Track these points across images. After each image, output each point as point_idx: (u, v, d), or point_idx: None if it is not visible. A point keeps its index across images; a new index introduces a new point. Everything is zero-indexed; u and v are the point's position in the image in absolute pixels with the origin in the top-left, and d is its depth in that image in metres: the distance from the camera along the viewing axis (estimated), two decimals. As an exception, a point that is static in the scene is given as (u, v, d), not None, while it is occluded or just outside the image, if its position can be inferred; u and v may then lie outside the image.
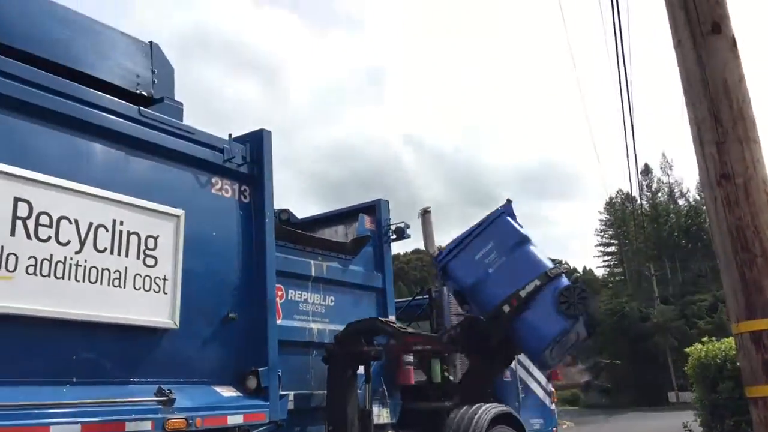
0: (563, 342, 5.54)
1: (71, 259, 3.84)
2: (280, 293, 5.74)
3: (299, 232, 6.55)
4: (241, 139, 5.32)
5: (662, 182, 73.36)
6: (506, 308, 5.23)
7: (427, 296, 8.81)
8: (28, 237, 3.65)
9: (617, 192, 70.41)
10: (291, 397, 5.45)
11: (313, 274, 6.30)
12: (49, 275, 3.70)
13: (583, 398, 50.05)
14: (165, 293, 4.34)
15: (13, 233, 3.58)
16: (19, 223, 3.62)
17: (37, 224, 3.71)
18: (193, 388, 4.47)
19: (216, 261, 4.91)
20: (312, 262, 6.33)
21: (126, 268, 4.13)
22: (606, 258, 78.90)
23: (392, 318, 7.00)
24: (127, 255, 4.15)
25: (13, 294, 3.51)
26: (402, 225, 7.64)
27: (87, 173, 4.12)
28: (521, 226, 5.98)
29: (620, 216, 72.67)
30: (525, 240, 5.74)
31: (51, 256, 3.74)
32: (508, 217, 5.79)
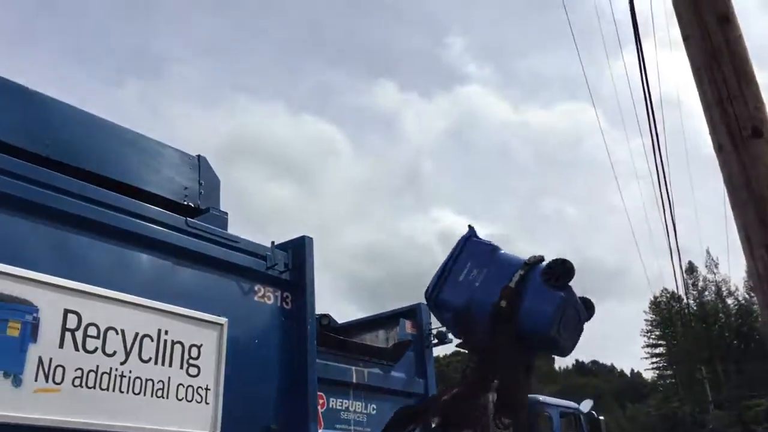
0: (566, 320, 5.34)
1: (116, 370, 3.86)
2: (321, 401, 5.65)
3: (340, 338, 6.51)
4: (283, 246, 5.40)
5: (708, 280, 71.48)
6: (503, 303, 5.11)
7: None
8: (76, 349, 3.70)
9: (662, 291, 68.74)
10: None
11: (354, 380, 6.20)
12: (94, 387, 3.72)
13: None
14: (207, 403, 4.30)
15: (61, 345, 3.64)
16: (68, 334, 3.68)
17: (86, 335, 3.76)
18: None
19: (258, 370, 4.87)
20: (353, 368, 6.24)
21: (169, 378, 4.12)
22: (654, 360, 76.17)
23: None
24: (170, 365, 4.16)
25: (61, 407, 3.52)
26: (443, 329, 7.54)
27: (134, 283, 4.21)
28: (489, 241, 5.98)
29: (667, 316, 70.65)
30: (496, 248, 5.76)
31: (97, 367, 3.76)
32: (474, 238, 5.83)
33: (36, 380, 3.50)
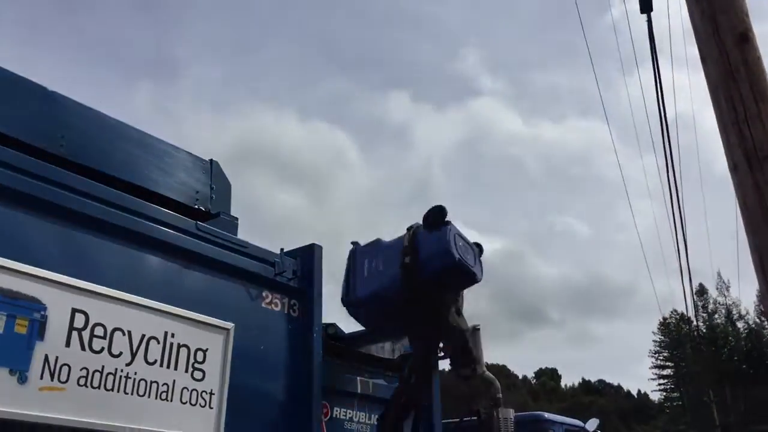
0: (461, 248, 5.79)
1: (122, 371, 3.85)
2: (324, 410, 5.62)
3: (346, 348, 6.48)
4: (292, 253, 5.41)
5: (719, 303, 70.94)
6: (407, 260, 5.53)
7: (476, 418, 8.50)
8: (82, 348, 3.70)
9: (671, 312, 68.25)
10: None
11: (359, 391, 6.18)
12: (99, 387, 3.71)
13: None
14: (211, 408, 4.29)
15: (68, 344, 3.64)
16: (74, 333, 3.68)
17: (92, 335, 3.76)
18: None
19: (262, 376, 4.87)
20: (358, 378, 6.22)
21: (174, 381, 4.12)
22: (662, 381, 75.55)
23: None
24: (176, 368, 4.15)
25: (65, 406, 3.52)
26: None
27: (142, 285, 4.21)
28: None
29: (676, 337, 70.09)
30: (379, 239, 6.20)
31: (102, 367, 3.76)
32: (359, 247, 6.23)
33: (42, 378, 3.50)
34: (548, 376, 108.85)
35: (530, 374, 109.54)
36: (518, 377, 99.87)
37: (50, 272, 3.67)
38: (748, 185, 3.42)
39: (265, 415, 4.77)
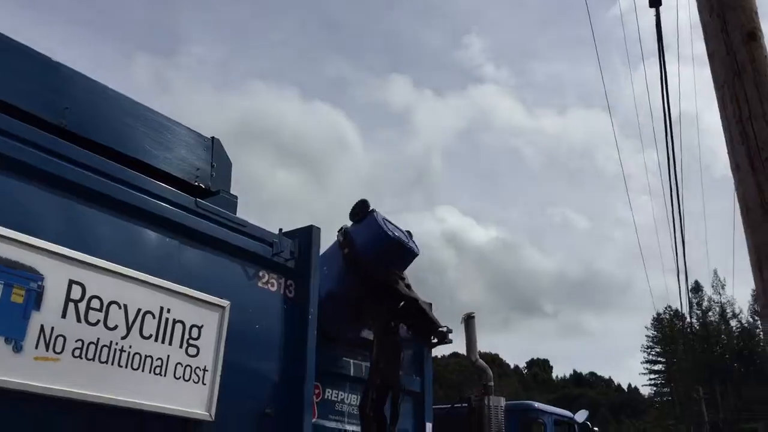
0: (391, 227, 6.25)
1: (117, 344, 3.87)
2: (317, 391, 5.66)
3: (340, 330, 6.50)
4: (291, 234, 5.41)
5: (713, 301, 71.18)
6: (346, 251, 5.93)
7: (466, 404, 8.57)
8: (78, 320, 3.71)
9: (665, 308, 68.48)
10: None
11: (352, 373, 6.21)
12: (94, 359, 3.73)
13: None
14: (204, 384, 4.31)
15: (64, 315, 3.65)
16: (71, 305, 3.69)
17: (88, 308, 3.77)
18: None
19: (256, 355, 4.88)
20: (352, 361, 6.26)
21: (168, 356, 4.13)
22: (652, 376, 75.96)
23: (429, 426, 6.81)
24: (170, 343, 4.16)
25: (59, 376, 3.54)
26: (445, 329, 7.53)
27: (140, 259, 4.21)
28: None
29: (669, 333, 70.35)
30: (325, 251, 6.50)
31: (98, 340, 3.77)
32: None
33: (36, 348, 3.51)
34: (540, 366, 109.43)
35: (522, 364, 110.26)
36: (510, 366, 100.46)
37: (49, 243, 3.67)
38: (749, 184, 3.42)
39: (258, 394, 4.79)
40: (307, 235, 5.47)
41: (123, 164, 4.41)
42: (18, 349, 3.44)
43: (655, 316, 70.27)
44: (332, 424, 5.88)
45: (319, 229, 5.58)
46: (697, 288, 67.77)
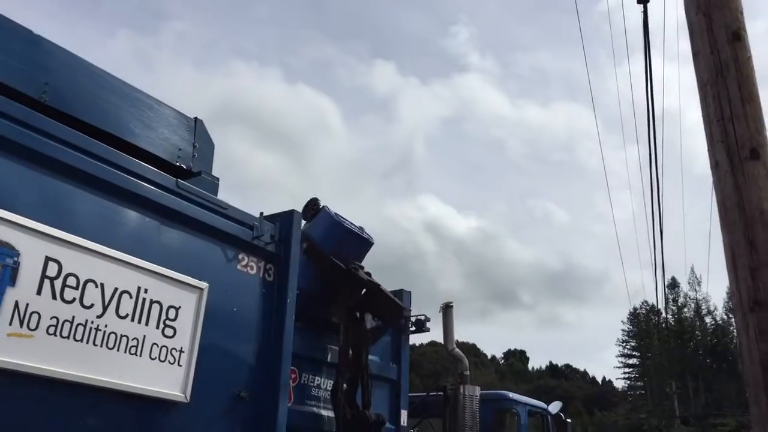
0: (342, 220, 6.51)
1: (92, 322, 3.84)
2: (293, 376, 5.66)
3: (318, 316, 6.50)
4: (272, 218, 5.38)
5: (689, 297, 72.05)
6: (305, 245, 5.97)
7: (441, 393, 8.62)
8: (54, 297, 3.68)
9: (642, 303, 69.22)
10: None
11: (329, 359, 6.22)
12: (68, 337, 3.70)
13: None
14: (179, 365, 4.29)
15: (39, 292, 3.61)
16: (46, 282, 3.65)
17: (64, 285, 3.74)
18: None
19: (233, 337, 4.87)
20: (329, 347, 6.26)
21: (144, 336, 4.11)
22: (627, 370, 76.85)
23: (404, 413, 6.85)
24: (147, 323, 4.14)
25: (32, 353, 3.51)
26: (422, 317, 7.57)
27: (118, 239, 4.17)
28: None
29: (644, 328, 71.16)
30: None
31: (73, 318, 3.74)
32: None
33: (10, 324, 3.47)
34: (517, 357, 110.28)
35: (499, 354, 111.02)
36: (487, 356, 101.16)
37: (26, 219, 3.63)
38: (727, 183, 3.45)
39: (233, 377, 4.78)
40: (288, 220, 5.45)
41: (103, 142, 4.36)
42: (-9, 324, 3.40)
43: (632, 310, 71.04)
44: (309, 409, 5.90)
45: (300, 213, 5.57)
46: (673, 284, 68.62)
